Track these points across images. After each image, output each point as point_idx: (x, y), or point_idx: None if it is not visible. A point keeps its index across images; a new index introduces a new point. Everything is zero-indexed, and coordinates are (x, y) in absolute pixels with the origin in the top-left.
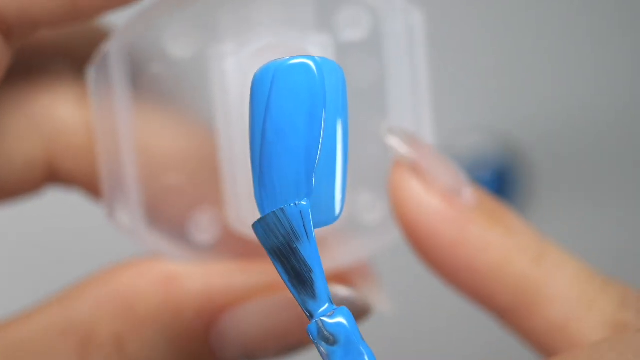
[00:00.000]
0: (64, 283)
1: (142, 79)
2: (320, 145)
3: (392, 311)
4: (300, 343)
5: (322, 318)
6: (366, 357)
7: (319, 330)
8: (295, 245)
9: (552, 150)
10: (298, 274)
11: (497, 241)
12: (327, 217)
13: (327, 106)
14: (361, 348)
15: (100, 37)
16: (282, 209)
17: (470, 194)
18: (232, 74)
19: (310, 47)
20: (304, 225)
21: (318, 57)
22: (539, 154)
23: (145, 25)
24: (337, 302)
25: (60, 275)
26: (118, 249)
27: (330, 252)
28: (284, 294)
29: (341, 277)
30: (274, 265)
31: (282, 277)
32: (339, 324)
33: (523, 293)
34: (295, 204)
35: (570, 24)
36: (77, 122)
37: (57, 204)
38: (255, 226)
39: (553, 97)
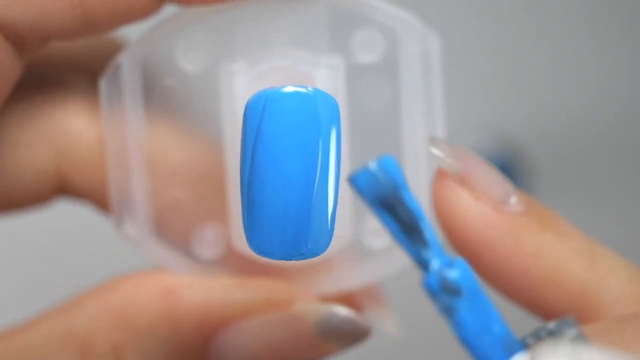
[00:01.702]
0: (67, 294)
1: (153, 93)
2: (309, 176)
3: (400, 334)
4: None
5: (441, 269)
6: (493, 309)
7: (442, 283)
8: (401, 195)
9: (552, 150)
10: (407, 224)
11: (550, 247)
12: (313, 249)
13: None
14: (486, 299)
15: (113, 50)
16: (382, 159)
17: (517, 200)
18: (241, 93)
19: (320, 69)
20: (402, 175)
21: (311, 88)
22: (539, 154)
23: (159, 38)
24: (337, 322)
25: (62, 287)
26: (123, 261)
27: (337, 275)
28: (283, 311)
29: (348, 300)
30: (382, 217)
31: (391, 230)
32: (463, 272)
33: (579, 298)
34: (389, 156)
35: (570, 24)
36: (88, 135)
37: (63, 216)
38: (358, 176)
39: (553, 97)
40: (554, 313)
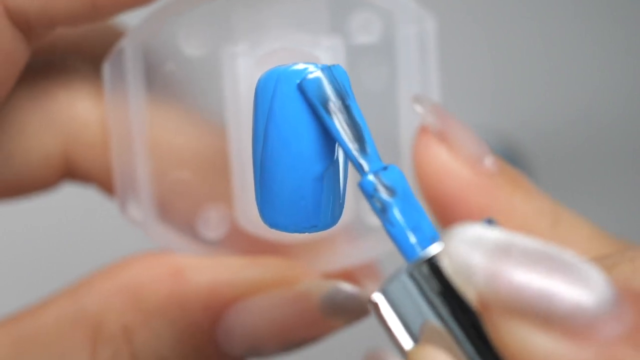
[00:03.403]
0: (75, 276)
1: (156, 76)
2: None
3: None
4: (304, 339)
5: (377, 172)
6: (423, 211)
7: (376, 184)
8: (347, 103)
9: (552, 150)
10: (354, 129)
11: (519, 206)
12: (325, 222)
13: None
14: (417, 202)
15: (117, 34)
16: (334, 67)
17: (491, 161)
18: (243, 74)
19: (321, 50)
20: (350, 85)
21: (320, 64)
22: (538, 153)
23: (160, 23)
24: (342, 299)
25: (71, 269)
26: (128, 243)
27: (336, 251)
28: (289, 289)
29: (347, 276)
30: (326, 120)
31: (334, 132)
32: (396, 176)
33: None
34: (335, 66)
35: (570, 24)
36: (94, 119)
37: (69, 199)
38: (309, 80)
39: (553, 97)
40: None
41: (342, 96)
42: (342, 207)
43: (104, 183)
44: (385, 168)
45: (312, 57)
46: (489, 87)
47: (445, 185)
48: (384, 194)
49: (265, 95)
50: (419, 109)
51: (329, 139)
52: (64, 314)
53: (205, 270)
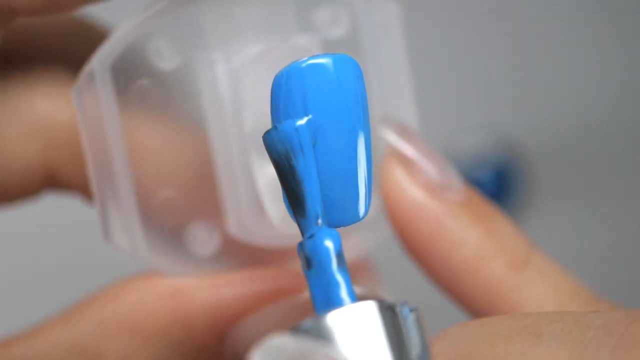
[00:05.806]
0: (68, 290)
1: (131, 95)
2: (363, 137)
3: None
4: None
5: (303, 239)
6: (342, 288)
7: (299, 252)
8: (292, 163)
9: (552, 150)
10: (293, 191)
11: (474, 239)
12: (350, 216)
13: (354, 100)
14: (336, 277)
15: (100, 38)
16: (279, 126)
17: (459, 191)
18: (225, 82)
19: (299, 48)
20: (300, 144)
21: (334, 54)
22: (539, 154)
23: (128, 42)
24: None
25: (65, 285)
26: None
27: None
28: (293, 299)
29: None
30: (280, 180)
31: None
32: (314, 247)
33: (496, 295)
34: (294, 121)
35: (570, 24)
36: (76, 127)
37: (61, 211)
38: (265, 136)
39: (553, 97)
40: (472, 306)
41: (289, 156)
42: (369, 200)
43: (87, 191)
44: (312, 235)
45: (308, 51)
46: (490, 87)
47: (401, 209)
48: (304, 265)
49: (294, 94)
50: (383, 130)
51: (360, 126)
52: (57, 343)
53: (206, 288)
